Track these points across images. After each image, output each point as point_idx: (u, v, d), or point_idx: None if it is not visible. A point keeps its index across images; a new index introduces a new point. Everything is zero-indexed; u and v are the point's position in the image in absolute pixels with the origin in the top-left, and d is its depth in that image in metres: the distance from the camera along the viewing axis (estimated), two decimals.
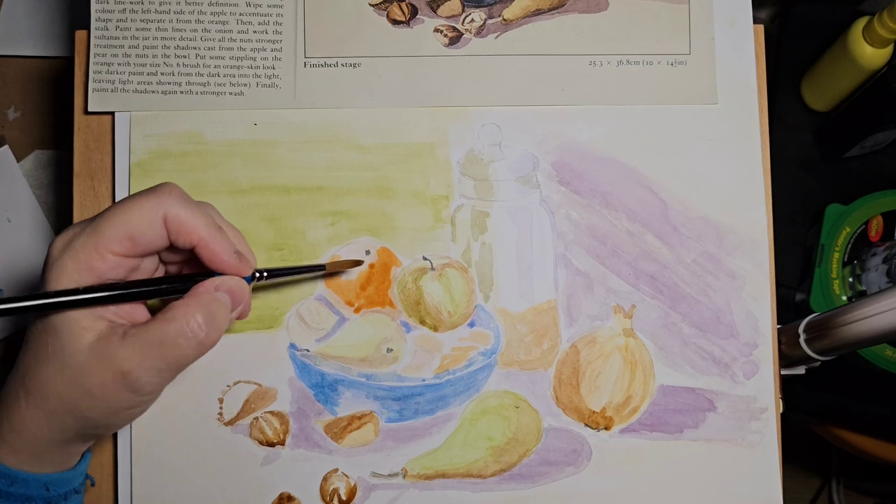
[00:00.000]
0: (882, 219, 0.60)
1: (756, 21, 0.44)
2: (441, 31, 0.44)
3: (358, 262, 0.41)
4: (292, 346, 0.42)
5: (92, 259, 0.32)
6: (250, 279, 0.36)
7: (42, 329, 0.33)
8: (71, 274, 0.32)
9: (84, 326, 0.32)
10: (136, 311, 0.35)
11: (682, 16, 0.44)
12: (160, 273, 0.38)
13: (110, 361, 0.32)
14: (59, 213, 0.57)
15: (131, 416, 0.36)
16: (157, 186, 0.34)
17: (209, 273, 0.35)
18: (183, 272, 0.38)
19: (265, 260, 0.43)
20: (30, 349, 0.33)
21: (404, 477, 0.42)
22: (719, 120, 0.44)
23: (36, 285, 0.55)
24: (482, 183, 0.43)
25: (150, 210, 0.33)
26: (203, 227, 0.34)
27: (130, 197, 0.34)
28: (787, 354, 0.46)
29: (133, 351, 0.32)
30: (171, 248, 0.35)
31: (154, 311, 0.36)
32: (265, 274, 0.37)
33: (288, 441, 0.42)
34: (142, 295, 0.34)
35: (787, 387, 0.57)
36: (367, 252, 0.43)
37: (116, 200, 0.43)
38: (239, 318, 0.37)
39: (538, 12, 0.44)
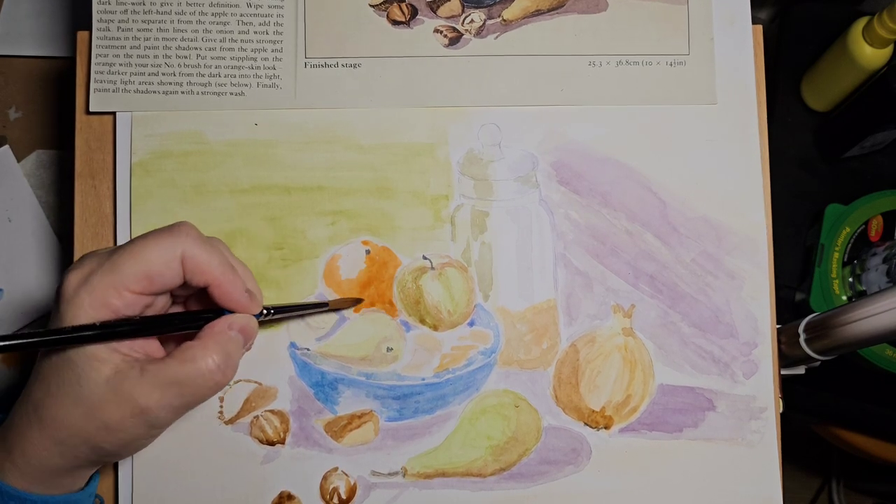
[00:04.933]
0: (882, 219, 0.60)
1: (755, 21, 0.45)
2: (441, 32, 0.44)
3: (358, 301, 0.42)
4: (293, 344, 0.42)
5: (109, 296, 0.33)
6: (259, 316, 0.37)
7: (57, 362, 0.33)
8: (87, 310, 0.32)
9: (101, 360, 0.33)
10: (150, 346, 0.35)
11: (681, 16, 0.44)
12: (171, 306, 0.38)
13: (129, 397, 0.33)
14: (60, 213, 0.57)
15: (142, 445, 0.37)
16: (174, 226, 0.35)
17: (220, 310, 0.36)
18: (190, 305, 0.39)
19: (265, 259, 0.43)
20: (43, 381, 0.34)
21: (404, 476, 0.42)
22: (718, 120, 0.44)
23: (36, 287, 0.56)
24: (482, 183, 0.43)
25: (168, 250, 0.34)
26: (217, 266, 0.34)
27: (148, 235, 0.34)
28: (786, 354, 0.46)
29: (152, 388, 0.33)
30: (184, 285, 0.35)
31: (164, 344, 0.37)
32: (272, 311, 0.38)
33: (288, 440, 0.42)
34: (158, 331, 0.35)
35: (787, 387, 0.57)
36: (368, 251, 0.43)
37: (117, 201, 0.43)
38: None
39: (538, 13, 0.44)
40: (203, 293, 0.36)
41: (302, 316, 0.42)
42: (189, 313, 0.36)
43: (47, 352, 0.34)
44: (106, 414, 0.33)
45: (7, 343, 0.31)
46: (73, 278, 0.33)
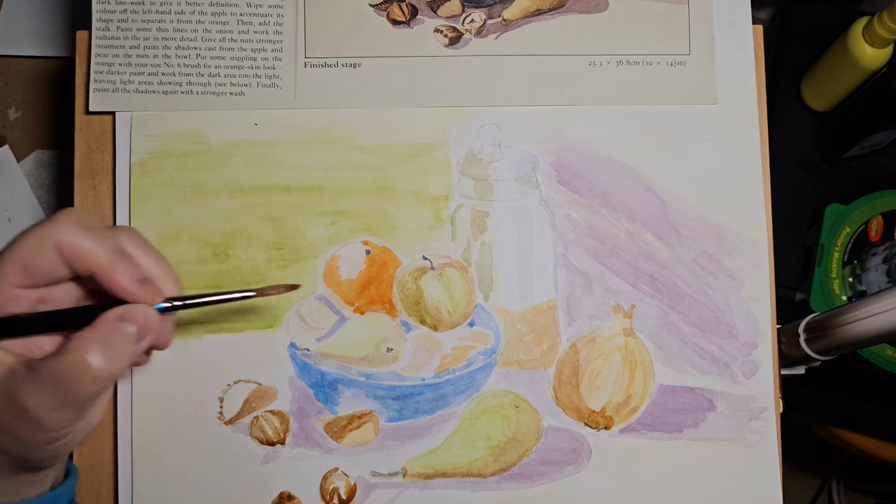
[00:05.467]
0: (882, 219, 0.60)
1: (756, 21, 0.45)
2: (441, 32, 0.44)
3: (293, 287, 0.37)
4: (292, 345, 0.42)
5: None
6: (163, 308, 0.33)
7: None
8: None
9: None
10: (49, 343, 0.33)
11: (681, 16, 0.44)
12: (83, 302, 0.35)
13: (14, 396, 0.30)
14: None
15: (55, 450, 0.33)
16: (54, 214, 0.32)
17: (119, 302, 0.32)
18: (108, 300, 0.35)
19: (265, 259, 0.43)
20: None
21: (404, 476, 0.42)
22: (719, 120, 0.44)
23: None
24: (482, 183, 0.43)
25: (41, 239, 0.31)
26: (103, 253, 0.32)
27: (30, 227, 0.32)
28: (787, 354, 0.46)
29: (33, 385, 0.30)
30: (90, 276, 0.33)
31: None
32: (179, 303, 0.34)
33: (288, 440, 0.42)
34: (41, 328, 0.32)
35: (787, 387, 0.57)
36: (368, 252, 0.43)
37: (117, 201, 0.43)
38: (155, 348, 0.34)
39: (538, 13, 0.44)
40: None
41: (225, 302, 0.36)
42: (81, 308, 0.33)
43: None
44: None
45: None
46: None
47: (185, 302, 0.34)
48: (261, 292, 0.36)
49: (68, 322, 0.32)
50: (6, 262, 0.31)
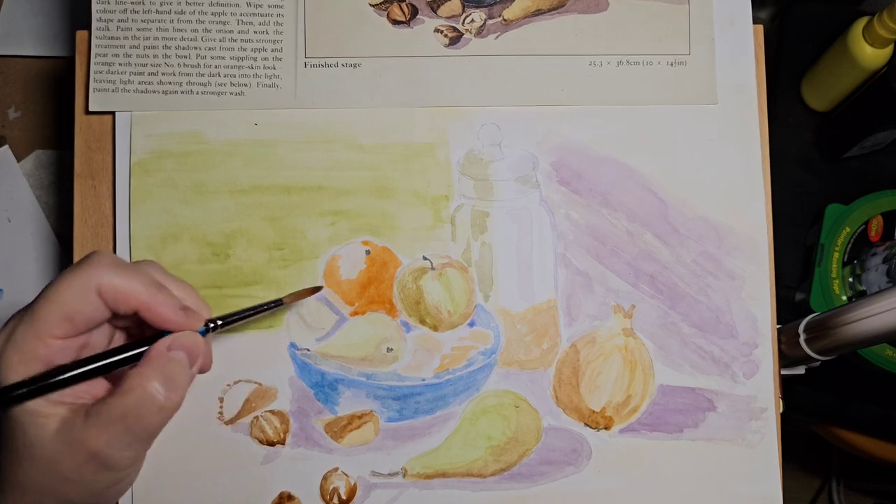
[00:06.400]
0: (882, 219, 0.60)
1: (756, 21, 0.45)
2: (441, 32, 0.44)
3: (317, 289, 0.40)
4: (293, 345, 0.42)
5: (35, 348, 0.31)
6: (204, 331, 0.35)
7: (6, 425, 0.32)
8: (17, 367, 0.31)
9: (44, 415, 0.31)
10: (96, 387, 0.34)
11: (681, 16, 0.44)
12: (116, 340, 0.36)
13: (79, 445, 0.31)
14: (60, 213, 0.57)
15: (119, 490, 0.35)
16: (85, 257, 0.33)
17: (160, 333, 0.34)
18: (145, 332, 0.36)
19: (265, 259, 0.43)
20: (3, 445, 0.33)
21: (404, 476, 0.42)
22: (719, 120, 0.44)
23: (36, 287, 0.56)
24: (482, 183, 0.43)
25: (81, 285, 0.32)
26: (141, 289, 0.33)
27: (62, 274, 0.32)
28: (787, 354, 0.46)
29: (98, 430, 0.31)
30: (121, 316, 0.34)
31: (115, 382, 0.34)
32: (219, 323, 0.36)
33: (288, 440, 0.42)
34: (94, 372, 0.33)
35: (787, 387, 0.57)
36: (368, 252, 0.43)
37: (117, 201, 0.43)
38: (201, 371, 0.35)
39: (538, 13, 0.44)
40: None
41: (256, 316, 0.38)
42: (125, 346, 0.34)
43: None
44: (63, 467, 0.31)
45: None
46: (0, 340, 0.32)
47: (221, 322, 0.36)
48: (287, 299, 0.38)
49: (118, 362, 0.33)
50: (46, 315, 0.32)
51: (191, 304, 0.35)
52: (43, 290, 0.32)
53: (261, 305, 0.38)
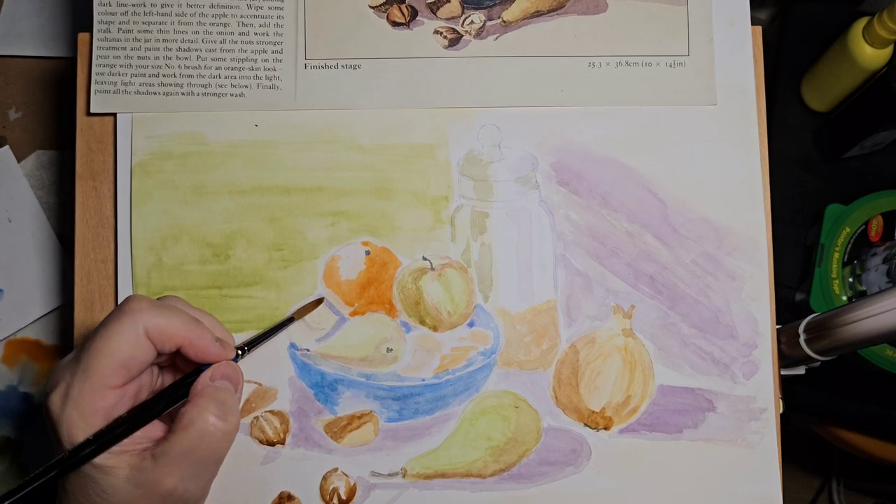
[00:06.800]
0: (882, 219, 0.60)
1: (755, 21, 0.45)
2: (441, 33, 0.44)
3: (320, 301, 0.42)
4: (292, 345, 0.42)
5: (94, 402, 0.33)
6: (236, 358, 0.37)
7: (77, 482, 0.33)
8: (79, 424, 0.32)
9: (113, 465, 0.33)
10: (151, 429, 0.35)
11: (680, 17, 0.44)
12: (163, 379, 0.38)
13: (153, 486, 0.33)
14: (60, 214, 0.57)
15: None
16: (124, 304, 0.34)
17: (198, 367, 0.36)
18: (178, 365, 0.38)
19: (265, 260, 0.43)
20: (75, 500, 0.34)
21: (404, 476, 0.42)
22: (718, 121, 0.44)
23: (36, 287, 0.56)
24: (482, 183, 0.44)
25: (131, 331, 0.33)
26: (181, 326, 0.34)
27: (106, 325, 0.34)
28: (787, 354, 0.46)
29: (170, 469, 0.33)
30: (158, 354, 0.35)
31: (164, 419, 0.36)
32: (246, 348, 0.39)
33: (288, 440, 0.42)
34: (151, 417, 0.34)
35: (787, 387, 0.57)
36: (367, 252, 0.43)
37: (118, 202, 0.43)
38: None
39: (537, 14, 0.44)
40: (178, 352, 0.36)
41: (274, 335, 0.41)
42: (173, 385, 0.36)
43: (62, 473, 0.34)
44: None
45: (16, 496, 0.31)
46: (55, 399, 0.33)
47: (247, 348, 0.39)
48: (297, 315, 0.41)
49: (170, 403, 0.35)
50: (101, 367, 0.33)
51: (220, 335, 0.37)
52: (90, 343, 0.33)
53: (276, 326, 0.41)
